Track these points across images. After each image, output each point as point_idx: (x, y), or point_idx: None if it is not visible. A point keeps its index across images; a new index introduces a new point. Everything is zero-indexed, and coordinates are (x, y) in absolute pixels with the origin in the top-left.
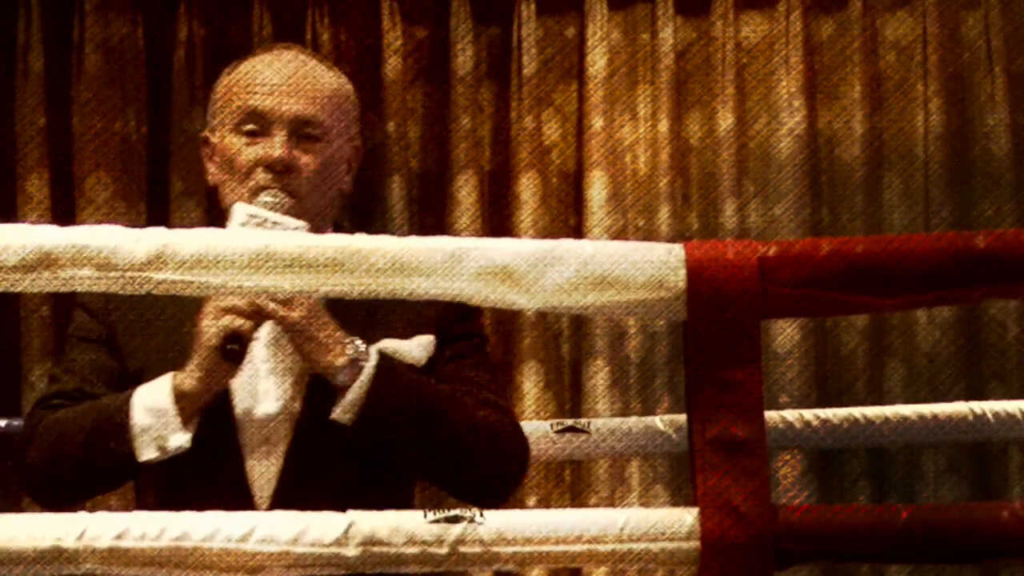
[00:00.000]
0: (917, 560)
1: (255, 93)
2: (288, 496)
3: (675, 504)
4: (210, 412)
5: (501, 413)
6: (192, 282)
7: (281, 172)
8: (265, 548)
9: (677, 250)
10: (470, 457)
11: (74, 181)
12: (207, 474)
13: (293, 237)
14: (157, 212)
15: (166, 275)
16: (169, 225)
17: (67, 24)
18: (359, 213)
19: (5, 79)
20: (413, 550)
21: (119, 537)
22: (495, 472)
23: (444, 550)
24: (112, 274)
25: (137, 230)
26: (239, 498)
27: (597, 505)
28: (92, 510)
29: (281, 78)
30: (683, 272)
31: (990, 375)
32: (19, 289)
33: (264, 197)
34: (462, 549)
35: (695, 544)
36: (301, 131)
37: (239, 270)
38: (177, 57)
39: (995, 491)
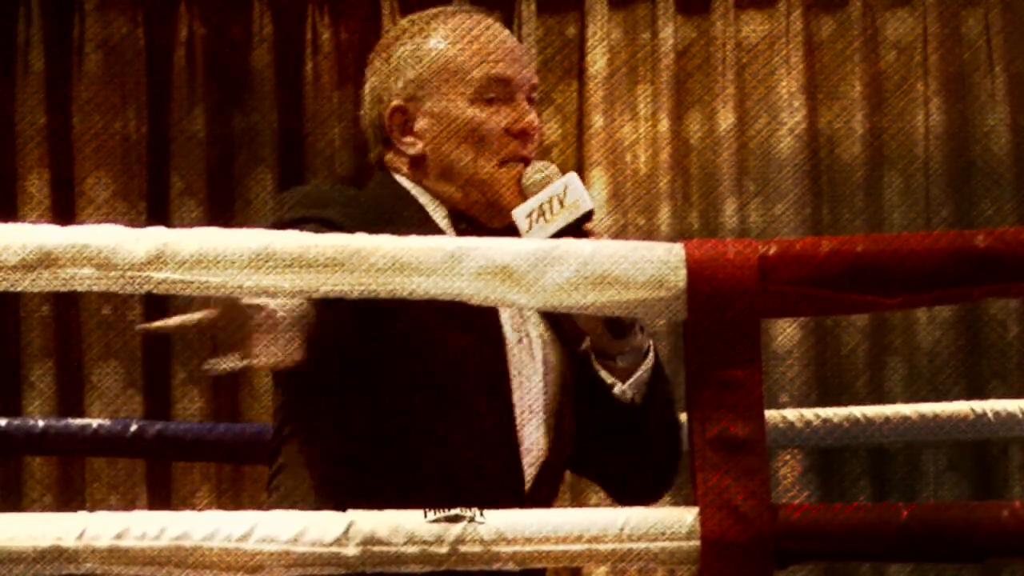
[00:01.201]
0: (917, 559)
1: (498, 59)
2: (547, 465)
3: (675, 503)
4: (487, 360)
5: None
6: (192, 282)
7: (531, 139)
8: (265, 547)
9: (677, 249)
10: (674, 449)
11: (74, 180)
12: (486, 432)
13: (294, 235)
14: (157, 211)
15: (166, 274)
16: (169, 224)
17: (67, 23)
18: None
19: (5, 78)
20: (413, 549)
21: (119, 536)
22: (677, 469)
23: (444, 549)
24: (112, 273)
25: (137, 230)
26: (511, 463)
27: (597, 504)
28: (92, 509)
29: (513, 44)
30: (683, 271)
31: (990, 374)
32: (19, 288)
33: (535, 174)
34: (462, 548)
35: (695, 543)
36: (531, 96)
37: (239, 269)
38: (177, 56)
39: (996, 490)
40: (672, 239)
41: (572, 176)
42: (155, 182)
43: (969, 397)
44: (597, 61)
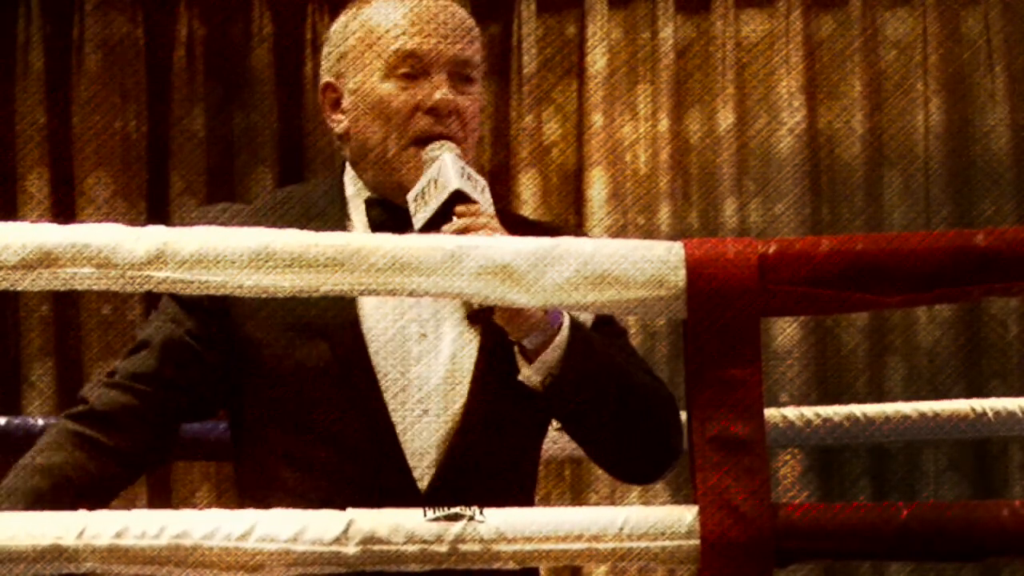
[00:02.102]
0: (917, 559)
1: (409, 35)
2: (451, 464)
3: (675, 503)
4: (349, 369)
5: (662, 385)
6: (192, 281)
7: (443, 116)
8: (265, 546)
9: (677, 248)
10: (647, 427)
11: (74, 180)
12: (358, 438)
13: (294, 235)
14: (157, 210)
15: (166, 274)
16: (169, 224)
17: (67, 23)
18: None
19: (5, 77)
20: (413, 548)
21: (119, 535)
22: (664, 445)
23: (444, 548)
24: (112, 273)
25: (137, 229)
26: (394, 466)
27: (597, 503)
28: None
29: (432, 17)
30: (683, 271)
31: (990, 373)
32: (19, 287)
33: (431, 152)
34: (462, 547)
35: (695, 543)
36: (460, 73)
37: (239, 269)
38: (177, 56)
39: (996, 489)
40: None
41: (446, 156)
42: (155, 181)
43: (969, 396)
44: (597, 60)
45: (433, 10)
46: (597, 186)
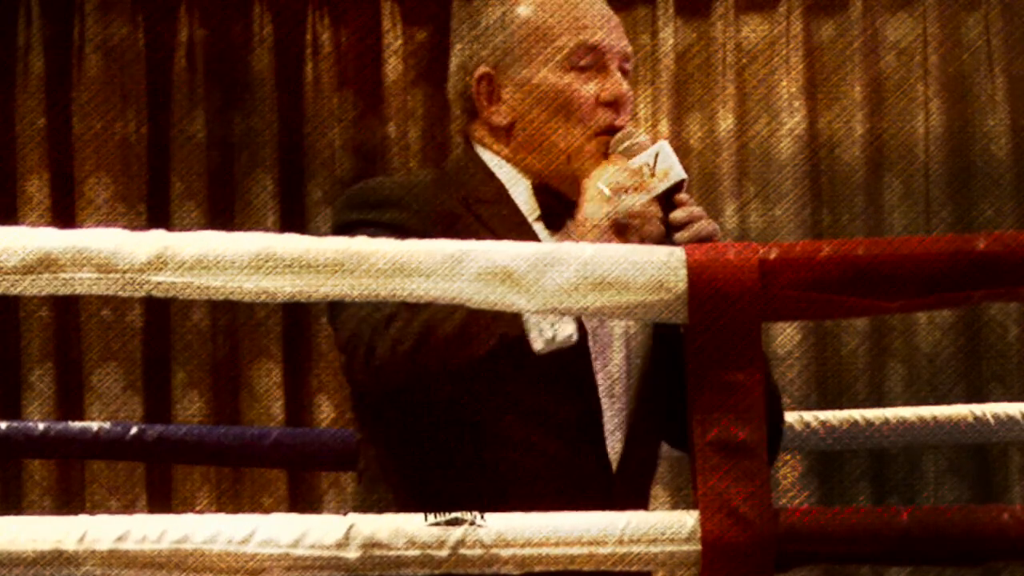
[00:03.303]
0: (917, 562)
1: (589, 28)
2: (631, 449)
3: (676, 506)
4: (567, 353)
5: None
6: (192, 284)
7: (620, 108)
8: (266, 550)
9: (678, 252)
10: (773, 423)
11: (74, 182)
12: (567, 419)
13: (294, 238)
14: (157, 214)
15: (166, 277)
16: (169, 227)
17: (67, 25)
18: None
19: (5, 80)
20: (414, 552)
21: (120, 539)
22: (779, 440)
23: (445, 552)
24: (112, 276)
25: (137, 232)
26: (594, 448)
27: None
28: (92, 512)
29: (600, 11)
30: (683, 274)
31: (990, 377)
32: (19, 291)
33: (622, 143)
34: (463, 551)
35: (696, 546)
36: (623, 67)
37: (239, 272)
38: (177, 58)
39: (996, 493)
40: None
41: (663, 143)
42: (155, 184)
43: (969, 400)
44: None
45: (600, 6)
46: None
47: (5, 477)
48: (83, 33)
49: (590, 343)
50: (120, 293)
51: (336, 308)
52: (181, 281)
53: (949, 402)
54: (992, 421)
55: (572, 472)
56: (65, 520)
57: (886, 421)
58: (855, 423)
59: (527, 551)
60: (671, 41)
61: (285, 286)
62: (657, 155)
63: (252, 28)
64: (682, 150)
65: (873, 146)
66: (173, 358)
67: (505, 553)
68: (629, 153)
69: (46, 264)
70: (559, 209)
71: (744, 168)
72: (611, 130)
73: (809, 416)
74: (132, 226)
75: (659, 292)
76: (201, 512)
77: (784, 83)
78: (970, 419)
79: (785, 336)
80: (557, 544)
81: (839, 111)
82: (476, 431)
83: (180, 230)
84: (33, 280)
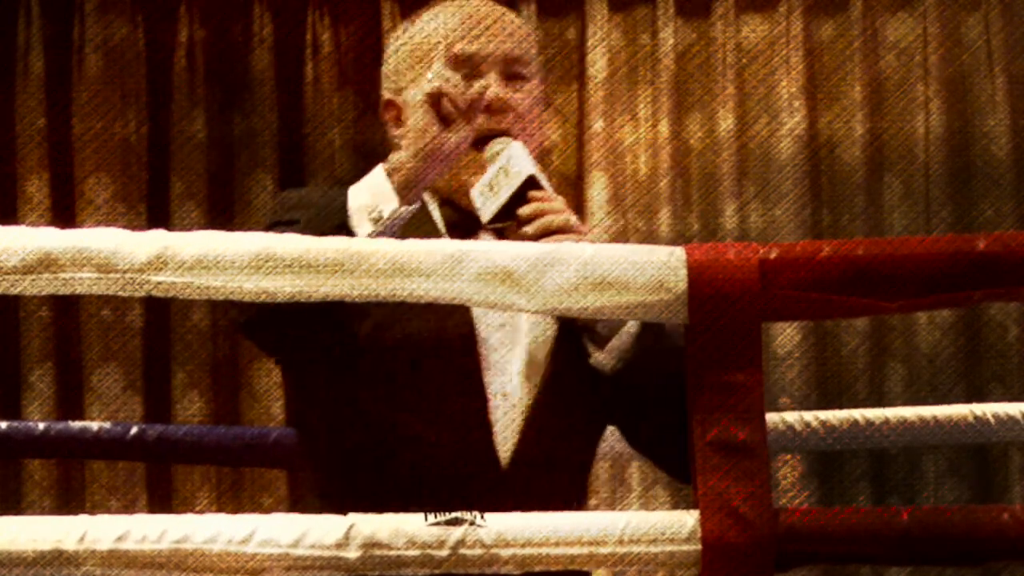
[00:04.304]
0: (918, 562)
1: (459, 39)
2: (526, 448)
3: (676, 506)
4: (457, 354)
5: None
6: (192, 284)
7: (497, 112)
8: (266, 550)
9: (678, 252)
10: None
11: (74, 183)
12: (453, 422)
13: (295, 239)
14: (157, 214)
15: (166, 277)
16: (169, 227)
17: (67, 25)
18: None
19: (5, 80)
20: (414, 552)
21: (120, 539)
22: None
23: (445, 552)
24: (112, 276)
25: (137, 232)
26: (483, 447)
27: (597, 507)
28: (92, 512)
29: (480, 21)
30: (684, 274)
31: (991, 377)
32: (19, 291)
33: (490, 149)
34: (463, 551)
35: (696, 546)
36: (511, 71)
37: (239, 271)
38: (177, 58)
39: (996, 493)
40: (672, 242)
41: (515, 144)
42: (155, 184)
43: (969, 400)
44: (597, 63)
45: (480, 14)
46: (597, 189)
47: (5, 477)
48: (83, 33)
49: (480, 342)
50: (120, 293)
51: None
52: (181, 281)
53: (949, 402)
54: (992, 421)
55: (461, 467)
56: (65, 520)
57: (886, 421)
58: (855, 423)
59: (527, 551)
60: (671, 41)
61: (285, 286)
62: (509, 157)
63: (252, 28)
64: (682, 150)
65: (873, 146)
66: (173, 358)
67: (505, 553)
68: (491, 161)
69: (46, 264)
70: (466, 223)
71: (744, 168)
72: (488, 136)
73: (809, 416)
74: (132, 226)
75: (659, 292)
76: (201, 512)
77: (784, 83)
78: (970, 419)
79: (785, 336)
80: (557, 544)
81: (839, 111)
82: (375, 427)
83: (180, 230)
84: (33, 280)
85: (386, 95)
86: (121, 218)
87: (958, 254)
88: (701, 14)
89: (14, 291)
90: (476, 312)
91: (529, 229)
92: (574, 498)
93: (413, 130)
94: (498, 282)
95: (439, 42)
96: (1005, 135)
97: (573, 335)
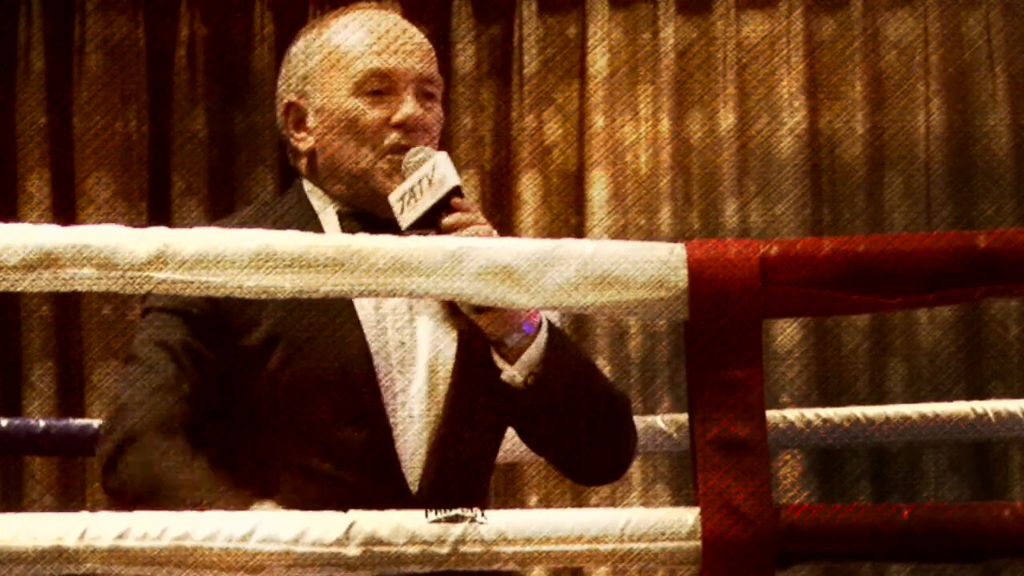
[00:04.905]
0: (918, 560)
1: (377, 54)
2: (437, 467)
3: (676, 504)
4: (354, 379)
5: (615, 386)
6: (193, 282)
7: (411, 130)
8: (266, 548)
9: (678, 250)
10: (611, 426)
11: (75, 181)
12: (357, 446)
13: (296, 237)
14: (158, 212)
15: (167, 275)
16: (170, 225)
17: (68, 23)
18: None
19: (6, 78)
20: (414, 550)
21: (120, 537)
22: (625, 445)
23: (445, 549)
24: (113, 274)
25: (138, 230)
26: (390, 471)
27: (598, 504)
28: (93, 510)
29: (396, 38)
30: (684, 272)
31: (991, 374)
32: (20, 289)
33: (411, 158)
34: (463, 549)
35: (696, 544)
36: (424, 90)
37: (240, 269)
38: (178, 56)
39: (996, 491)
40: (673, 239)
41: (439, 155)
42: (156, 182)
43: (970, 397)
44: (598, 61)
45: (396, 31)
46: (598, 187)
47: (6, 475)
48: (84, 31)
49: (378, 369)
50: (121, 291)
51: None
52: (182, 279)
53: (950, 400)
54: (993, 418)
55: (371, 500)
56: (66, 517)
57: (887, 418)
58: (856, 420)
59: (528, 548)
60: (672, 39)
61: (285, 284)
62: (434, 166)
63: (253, 26)
64: (683, 147)
65: (874, 144)
66: None
67: (506, 550)
68: (413, 169)
69: (47, 262)
70: (368, 229)
71: (745, 166)
72: (402, 149)
73: (810, 413)
74: (133, 224)
75: (660, 290)
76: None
77: (785, 81)
78: (971, 416)
79: (786, 335)
80: (558, 541)
81: (840, 109)
82: (284, 466)
83: (181, 228)
84: (34, 278)
85: (289, 97)
86: (122, 216)
87: (959, 251)
88: (702, 12)
89: (15, 289)
90: (370, 334)
91: (456, 236)
92: (482, 504)
93: (328, 143)
94: (499, 280)
95: (356, 55)
96: (1006, 133)
97: (474, 349)
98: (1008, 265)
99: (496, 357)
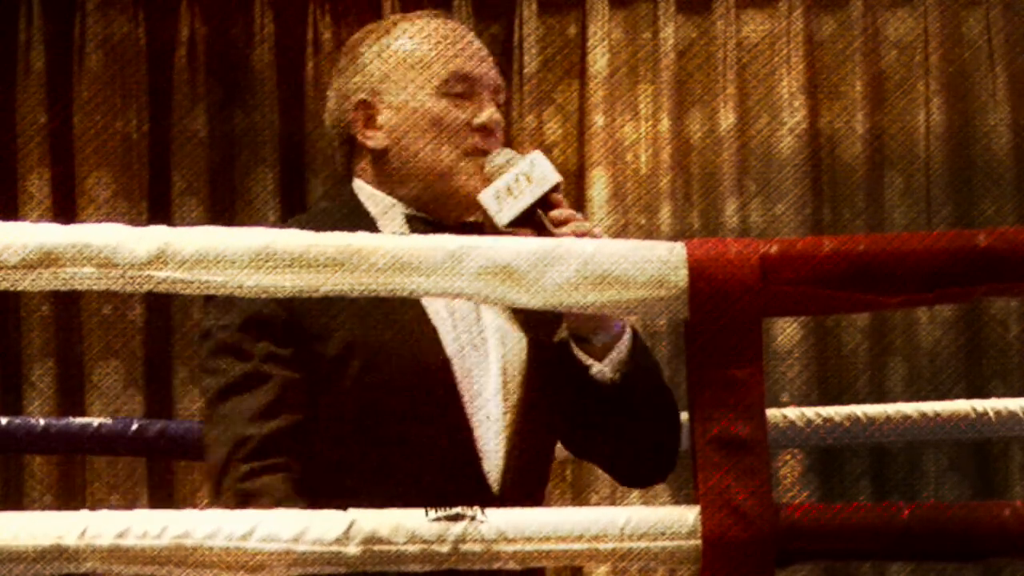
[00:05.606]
0: (918, 559)
1: (463, 57)
2: (514, 467)
3: (677, 503)
4: (434, 384)
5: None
6: (193, 281)
7: (489, 134)
8: (266, 546)
9: (678, 249)
10: (671, 426)
11: (75, 180)
12: (439, 448)
13: (296, 236)
14: (158, 211)
15: (167, 273)
16: (170, 224)
17: (68, 22)
18: None
19: (6, 78)
20: (414, 548)
21: (121, 535)
22: (678, 446)
23: (445, 548)
24: (113, 273)
25: (138, 229)
26: (473, 474)
27: (599, 503)
28: (93, 509)
29: (471, 42)
30: (684, 271)
31: (991, 373)
32: (20, 288)
33: (496, 159)
34: (463, 547)
35: (696, 543)
36: (495, 98)
37: (240, 269)
38: (178, 56)
39: (997, 490)
40: (673, 239)
41: (537, 153)
42: (156, 181)
43: (970, 396)
44: (598, 60)
45: (471, 39)
46: (598, 186)
47: (6, 473)
48: (84, 30)
49: (455, 368)
50: (121, 290)
51: (208, 403)
52: (182, 277)
53: (950, 399)
54: (993, 417)
55: (454, 501)
56: (66, 516)
57: (887, 417)
58: (857, 419)
59: (528, 547)
60: (672, 38)
61: (285, 283)
62: (532, 163)
63: (253, 25)
64: (683, 147)
65: (874, 143)
66: (174, 355)
67: (506, 549)
68: (504, 168)
69: (47, 261)
70: (437, 230)
71: (745, 165)
72: (481, 153)
73: (811, 412)
74: (133, 223)
75: (660, 289)
76: (202, 508)
77: (785, 80)
78: (971, 415)
79: (786, 335)
80: (558, 540)
81: (840, 108)
82: (364, 464)
83: (181, 227)
84: (34, 277)
85: (361, 95)
86: (122, 215)
87: (959, 250)
88: (702, 11)
89: (15, 288)
90: (446, 339)
91: (565, 230)
92: (542, 503)
93: (405, 142)
94: (499, 279)
95: (440, 57)
96: (1006, 132)
97: (543, 348)
98: (1008, 264)
99: (581, 354)
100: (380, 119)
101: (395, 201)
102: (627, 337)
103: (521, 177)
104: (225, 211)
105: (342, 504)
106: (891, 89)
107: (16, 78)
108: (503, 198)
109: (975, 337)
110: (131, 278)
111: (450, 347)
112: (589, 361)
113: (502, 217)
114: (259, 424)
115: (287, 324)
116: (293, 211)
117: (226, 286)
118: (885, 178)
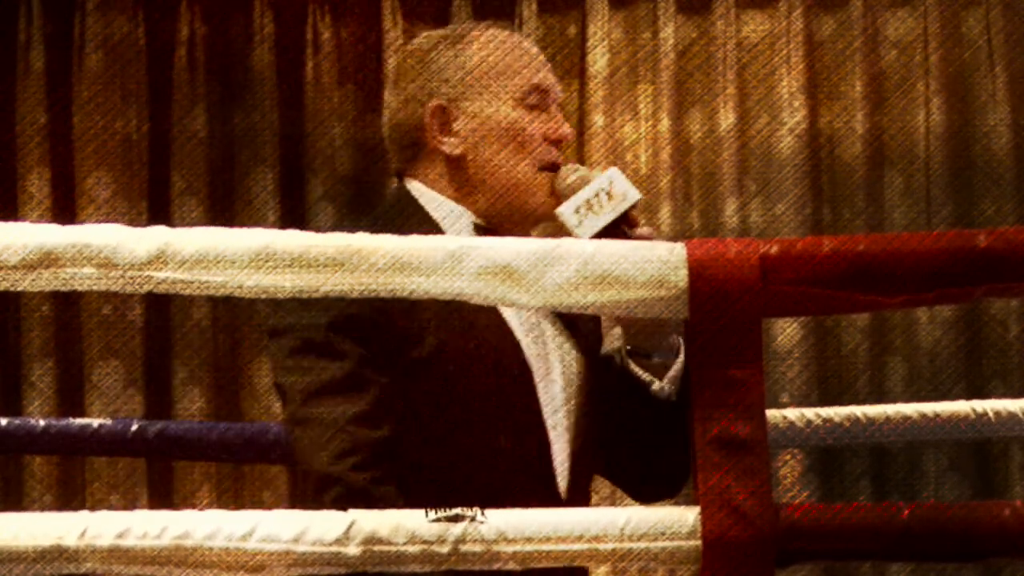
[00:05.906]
0: (918, 559)
1: (538, 69)
2: (577, 472)
3: (676, 503)
4: (515, 386)
5: None
6: (193, 281)
7: (562, 147)
8: (266, 547)
9: (678, 249)
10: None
11: (75, 180)
12: (514, 456)
13: (295, 235)
14: (158, 211)
15: (167, 274)
16: (170, 224)
17: (68, 22)
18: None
19: (6, 77)
20: (414, 549)
21: (121, 536)
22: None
23: (445, 549)
24: (113, 273)
25: (138, 229)
26: (545, 480)
27: (598, 504)
28: (93, 509)
29: (542, 54)
30: (684, 271)
31: (991, 373)
32: (20, 288)
33: (570, 176)
34: (463, 548)
35: (696, 543)
36: (560, 109)
37: (240, 269)
38: (178, 55)
39: (997, 490)
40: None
41: (614, 170)
42: (156, 181)
43: (970, 397)
44: (598, 61)
45: (537, 48)
46: None
47: (6, 474)
48: (84, 30)
49: (535, 376)
50: (121, 290)
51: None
52: (182, 278)
53: (950, 400)
54: (993, 417)
55: (524, 500)
56: (66, 516)
57: (887, 417)
58: (856, 419)
59: (528, 547)
60: (672, 38)
61: (285, 283)
62: (611, 180)
63: (253, 25)
64: (683, 147)
65: (874, 143)
66: (174, 355)
67: (506, 550)
68: (577, 184)
69: (47, 261)
70: None
71: (745, 165)
72: (554, 167)
73: (811, 412)
74: (133, 223)
75: (660, 289)
76: (202, 509)
77: (785, 80)
78: (971, 415)
79: (786, 335)
80: (558, 540)
81: (840, 108)
82: (447, 471)
83: (181, 227)
84: (34, 277)
85: (438, 100)
86: (122, 215)
87: (959, 250)
88: (702, 11)
89: (15, 288)
90: (528, 349)
91: None
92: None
93: (483, 150)
94: (499, 280)
95: (520, 68)
96: (1006, 132)
97: (594, 361)
98: (1008, 264)
99: (639, 371)
100: (456, 125)
101: (464, 209)
102: (683, 354)
103: (602, 193)
104: (225, 211)
105: (428, 494)
106: (891, 89)
107: (16, 78)
108: (583, 213)
109: (975, 337)
110: (131, 278)
111: (529, 357)
112: (649, 378)
113: (582, 232)
114: (366, 431)
115: (376, 324)
116: (293, 211)
117: (226, 286)
118: (885, 178)
